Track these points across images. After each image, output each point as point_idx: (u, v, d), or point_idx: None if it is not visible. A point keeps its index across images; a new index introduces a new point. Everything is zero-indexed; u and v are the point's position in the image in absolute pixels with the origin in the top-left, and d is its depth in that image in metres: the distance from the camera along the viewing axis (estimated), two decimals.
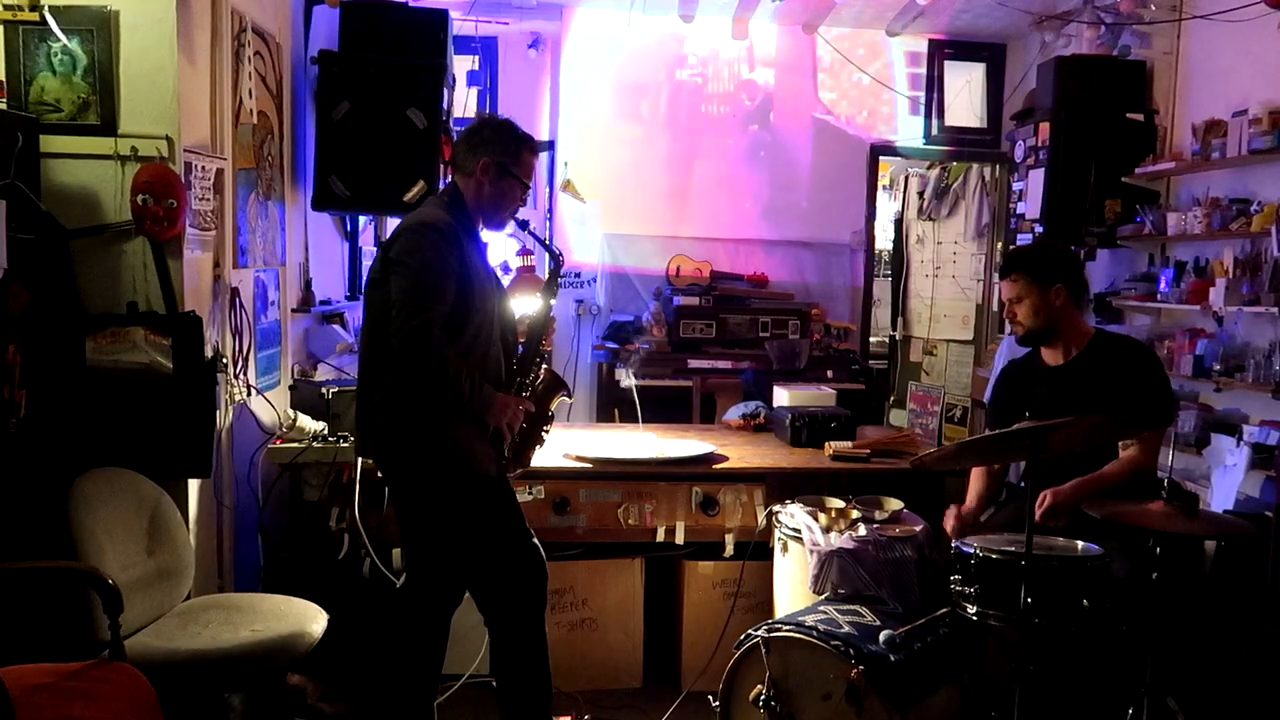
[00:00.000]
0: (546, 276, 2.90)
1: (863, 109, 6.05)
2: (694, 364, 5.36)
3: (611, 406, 5.18)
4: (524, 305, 3.10)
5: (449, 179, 2.79)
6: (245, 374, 3.31)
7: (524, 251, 5.18)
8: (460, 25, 5.12)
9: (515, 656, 2.74)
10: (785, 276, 6.01)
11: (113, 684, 2.14)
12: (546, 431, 2.88)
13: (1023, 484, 3.07)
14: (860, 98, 6.03)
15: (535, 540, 2.78)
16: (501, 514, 2.71)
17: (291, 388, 3.67)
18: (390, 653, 2.76)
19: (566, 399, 2.93)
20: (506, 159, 2.70)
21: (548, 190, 5.79)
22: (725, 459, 3.53)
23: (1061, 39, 5.10)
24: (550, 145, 5.73)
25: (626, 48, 5.76)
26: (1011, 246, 3.15)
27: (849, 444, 3.64)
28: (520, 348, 2.84)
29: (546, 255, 2.91)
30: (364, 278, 4.67)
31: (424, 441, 2.59)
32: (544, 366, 2.88)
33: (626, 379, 3.82)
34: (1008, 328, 5.67)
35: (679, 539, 3.43)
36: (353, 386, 3.45)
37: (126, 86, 2.82)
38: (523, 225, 2.86)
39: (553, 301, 2.89)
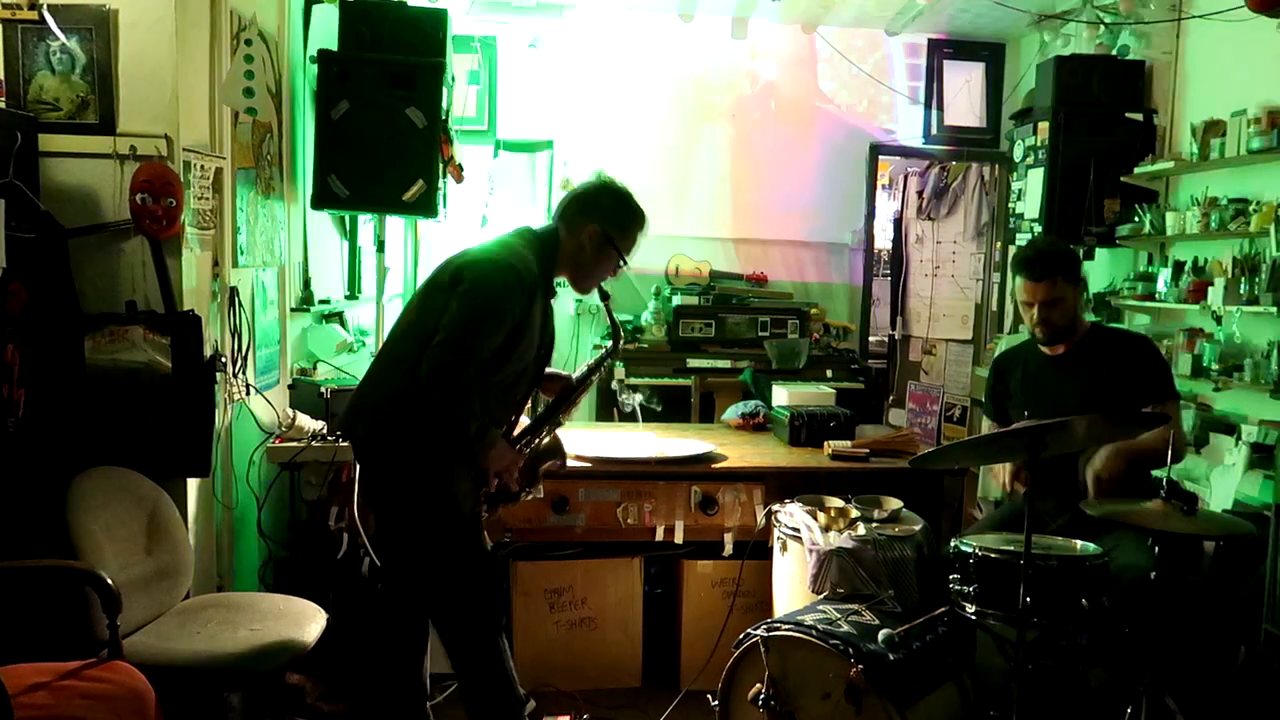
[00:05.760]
0: (601, 355, 2.90)
1: (863, 99, 6.05)
2: (693, 363, 5.35)
3: (611, 406, 5.18)
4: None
5: (551, 223, 2.74)
6: (244, 373, 3.31)
7: None
8: (460, 24, 5.12)
9: (473, 679, 2.68)
10: (784, 276, 6.01)
11: (111, 683, 2.14)
12: (528, 495, 2.83)
13: None
14: (860, 88, 6.03)
15: (493, 568, 2.77)
16: (462, 546, 2.65)
17: (291, 387, 3.67)
18: (380, 651, 2.76)
19: (557, 465, 2.90)
20: (615, 232, 2.69)
21: (548, 190, 5.78)
22: (724, 458, 3.53)
23: (1060, 38, 5.10)
24: (549, 145, 5.73)
25: (625, 46, 5.76)
26: (1026, 249, 3.17)
27: (848, 443, 3.65)
28: (545, 408, 2.86)
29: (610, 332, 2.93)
30: (362, 276, 4.69)
31: (411, 456, 2.56)
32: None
33: (629, 400, 3.87)
34: (1005, 327, 5.74)
35: (678, 538, 3.43)
36: (352, 385, 3.46)
37: (125, 85, 2.82)
38: (604, 296, 2.83)
39: (595, 379, 2.90)
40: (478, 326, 2.46)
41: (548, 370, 2.87)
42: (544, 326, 2.69)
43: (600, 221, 2.67)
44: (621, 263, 2.74)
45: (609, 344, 2.95)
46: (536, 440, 2.82)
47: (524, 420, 2.90)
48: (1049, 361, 3.14)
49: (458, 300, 2.48)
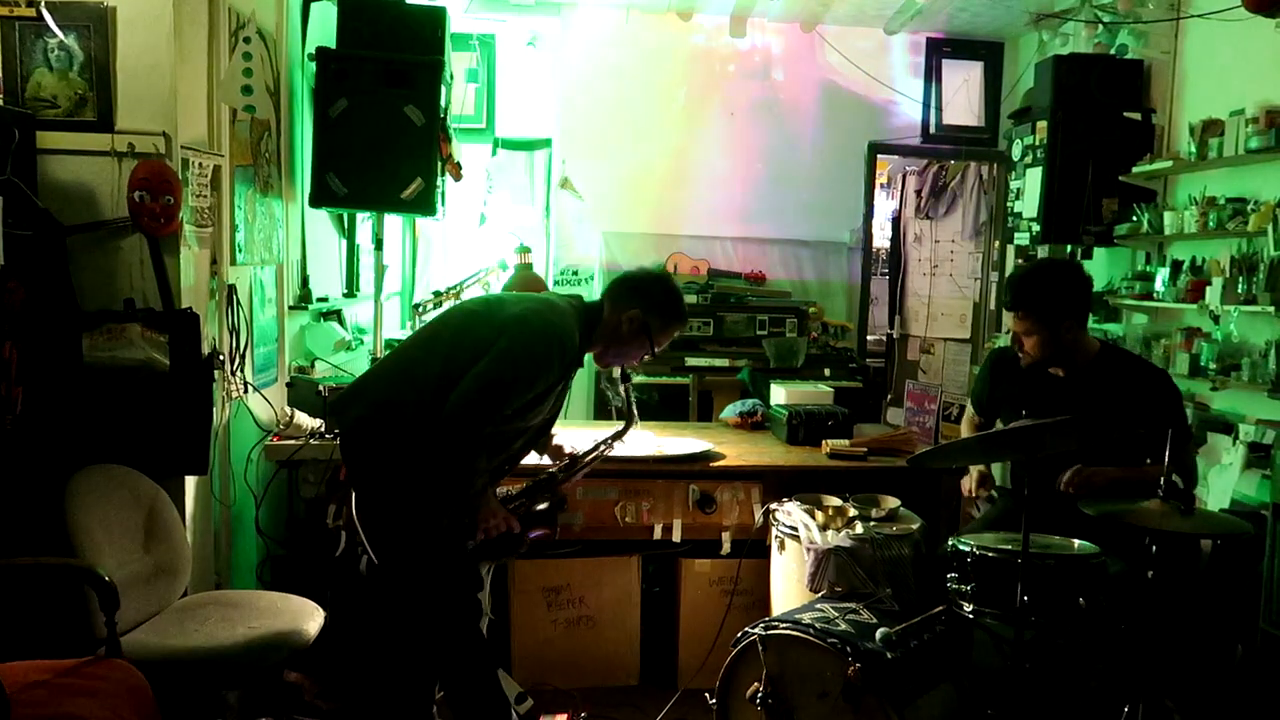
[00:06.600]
0: (610, 435, 2.97)
1: (861, 98, 6.05)
2: (691, 362, 5.36)
3: (608, 405, 5.18)
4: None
5: (599, 299, 2.80)
6: (242, 371, 3.31)
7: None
8: (458, 22, 5.12)
9: (460, 681, 2.67)
10: (783, 274, 6.01)
11: (109, 680, 2.14)
12: (515, 554, 2.82)
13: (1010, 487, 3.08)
14: (859, 86, 6.03)
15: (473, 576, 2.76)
16: (440, 550, 2.62)
17: (289, 385, 3.66)
18: (379, 649, 2.75)
19: (549, 536, 2.94)
20: (655, 323, 2.74)
21: (546, 188, 5.78)
22: (722, 457, 3.53)
23: (1059, 38, 5.10)
24: (548, 143, 5.73)
25: (624, 45, 5.76)
26: (1019, 270, 3.02)
27: (846, 442, 3.65)
28: (546, 477, 2.92)
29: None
30: (360, 274, 4.68)
31: (393, 465, 2.56)
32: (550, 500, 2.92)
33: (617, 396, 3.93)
34: (1004, 326, 5.74)
35: (676, 537, 3.43)
36: (350, 382, 3.45)
37: (123, 83, 2.81)
38: (625, 378, 2.91)
39: (598, 456, 2.96)
40: (506, 389, 2.49)
41: (555, 442, 2.96)
42: (560, 396, 2.75)
43: (644, 308, 2.72)
44: (651, 354, 2.79)
45: (621, 425, 3.00)
46: (532, 505, 2.86)
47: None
48: (1049, 379, 2.99)
49: (497, 354, 2.50)
